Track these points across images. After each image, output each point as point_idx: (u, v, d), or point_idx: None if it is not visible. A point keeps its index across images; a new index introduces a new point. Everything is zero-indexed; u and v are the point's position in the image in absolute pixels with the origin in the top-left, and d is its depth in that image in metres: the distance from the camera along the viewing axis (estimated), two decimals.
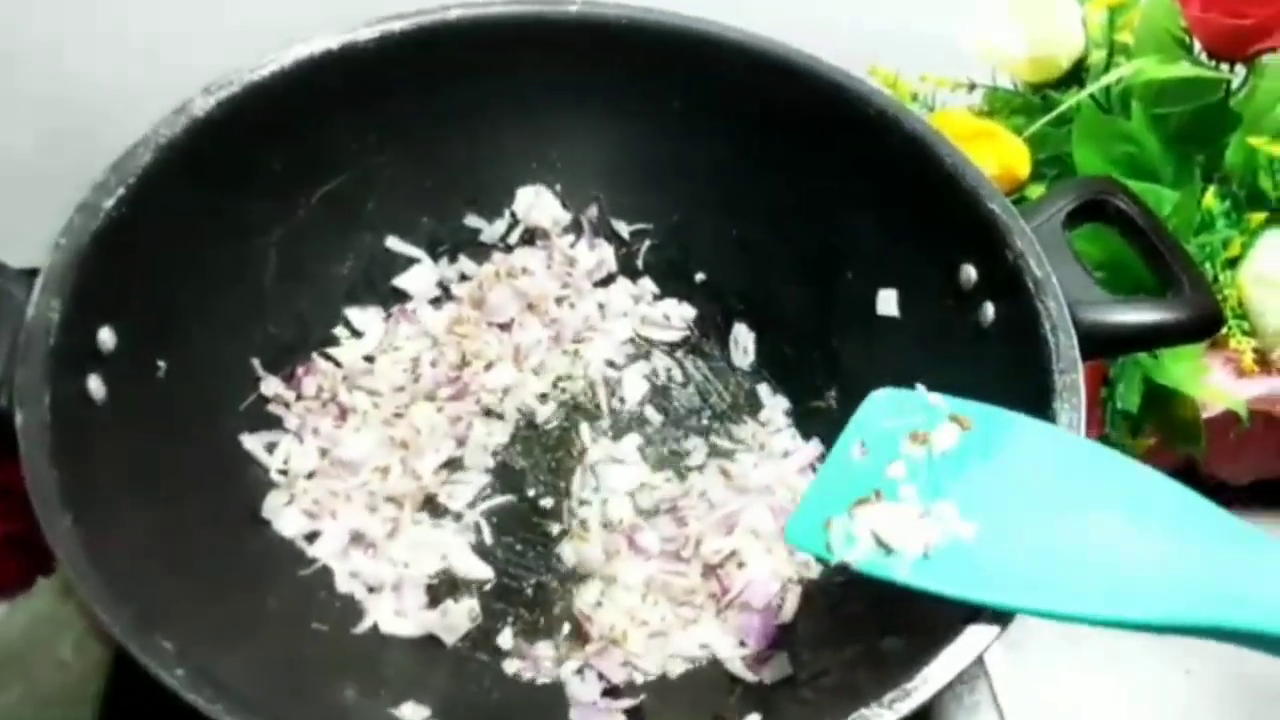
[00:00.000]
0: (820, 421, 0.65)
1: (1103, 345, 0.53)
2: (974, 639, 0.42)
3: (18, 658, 0.59)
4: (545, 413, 0.65)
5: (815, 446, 0.64)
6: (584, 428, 0.65)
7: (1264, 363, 0.65)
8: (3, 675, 0.59)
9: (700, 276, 0.70)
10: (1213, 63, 0.68)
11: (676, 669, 0.56)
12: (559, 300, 0.68)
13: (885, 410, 0.49)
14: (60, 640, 0.59)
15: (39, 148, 0.74)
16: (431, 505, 0.61)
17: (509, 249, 0.69)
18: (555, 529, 0.61)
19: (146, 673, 0.40)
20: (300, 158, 0.60)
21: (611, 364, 0.68)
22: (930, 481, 0.45)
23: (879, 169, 0.61)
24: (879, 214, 0.62)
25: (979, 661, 0.43)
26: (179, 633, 0.41)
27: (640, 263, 0.70)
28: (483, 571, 0.58)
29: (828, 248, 0.65)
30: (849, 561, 0.45)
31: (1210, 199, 0.67)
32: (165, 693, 0.40)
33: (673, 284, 0.70)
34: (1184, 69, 0.67)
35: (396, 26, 0.60)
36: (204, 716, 0.39)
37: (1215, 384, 0.64)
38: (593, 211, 0.70)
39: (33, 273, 0.48)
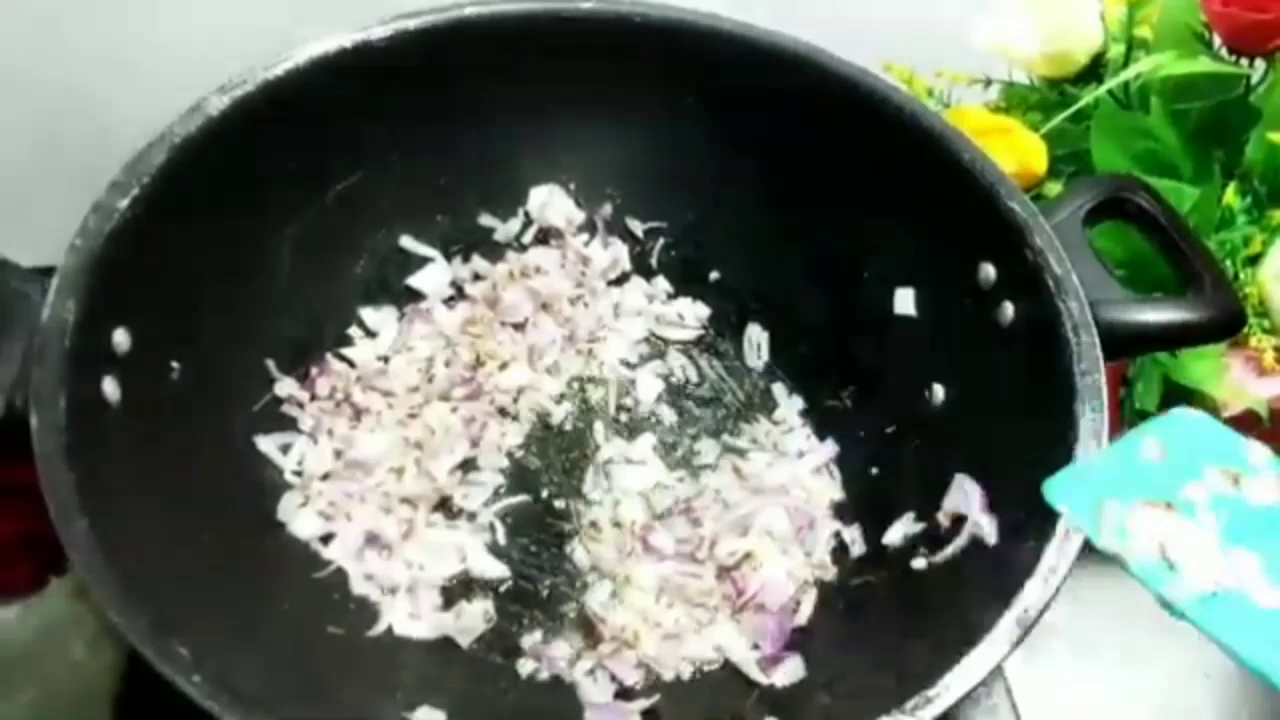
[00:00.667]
0: (836, 421, 0.65)
1: (1124, 345, 0.53)
2: (994, 646, 0.42)
3: (31, 658, 0.59)
4: (560, 413, 0.65)
5: (830, 447, 0.64)
6: (598, 427, 0.65)
7: None
8: (16, 676, 0.59)
9: (715, 275, 0.69)
10: (1233, 57, 0.68)
11: (691, 671, 0.56)
12: (573, 300, 0.68)
13: (1193, 430, 0.45)
14: (74, 641, 0.59)
15: (44, 146, 0.74)
16: (446, 506, 0.60)
17: (523, 248, 0.69)
18: (569, 529, 0.60)
19: (161, 675, 0.40)
20: (314, 157, 0.60)
21: (626, 363, 0.67)
22: (1236, 524, 0.41)
23: (896, 166, 0.60)
24: (896, 212, 0.61)
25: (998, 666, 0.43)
26: (194, 637, 0.41)
27: (654, 261, 0.70)
28: (498, 571, 0.58)
29: (843, 246, 0.64)
30: (1121, 556, 0.40)
31: (1230, 195, 0.66)
32: (179, 694, 0.40)
33: (687, 283, 0.70)
34: (1204, 64, 0.67)
35: (410, 25, 0.59)
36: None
37: (1235, 383, 0.64)
38: (606, 210, 0.69)
39: (44, 271, 0.48)
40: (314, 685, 0.49)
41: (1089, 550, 0.45)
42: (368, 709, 0.50)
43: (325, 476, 0.60)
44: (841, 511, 0.61)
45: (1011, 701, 0.60)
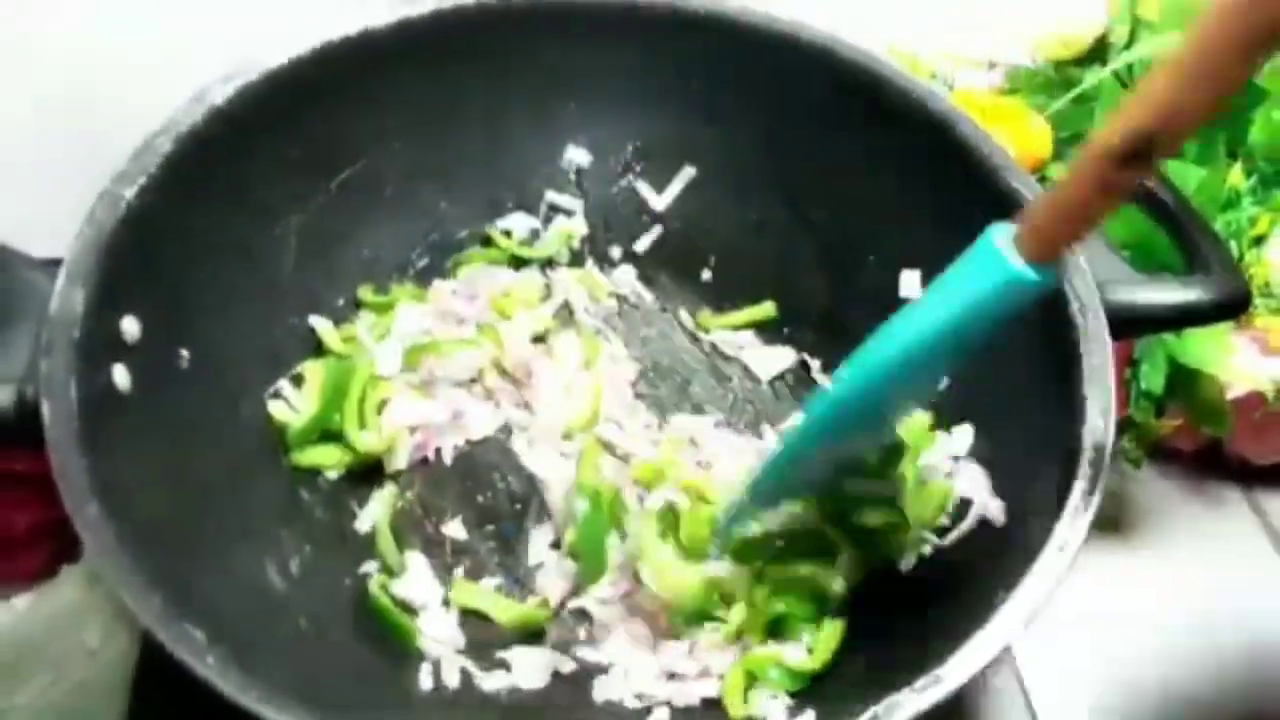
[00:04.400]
0: None
1: (1131, 325, 0.53)
2: (1004, 626, 0.42)
3: (44, 646, 0.60)
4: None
5: None
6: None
7: None
8: (31, 664, 0.59)
9: (714, 260, 0.69)
10: None
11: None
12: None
13: None
14: (87, 628, 0.60)
15: (51, 136, 0.74)
16: None
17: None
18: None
19: (174, 659, 0.40)
20: (318, 145, 0.60)
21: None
22: None
23: (900, 149, 0.60)
24: (901, 194, 0.61)
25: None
26: (208, 619, 0.42)
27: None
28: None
29: (849, 229, 0.64)
30: None
31: (1236, 176, 0.66)
32: (193, 679, 0.40)
33: (690, 268, 0.70)
34: None
35: (414, 12, 0.59)
36: (233, 702, 0.40)
37: (1241, 363, 0.64)
38: (615, 190, 0.69)
39: (54, 263, 0.48)
40: (329, 664, 0.50)
41: (1098, 527, 0.45)
42: (383, 684, 0.50)
43: None
44: None
45: (1020, 683, 0.60)
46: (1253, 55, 0.32)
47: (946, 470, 0.56)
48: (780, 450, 0.50)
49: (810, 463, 0.49)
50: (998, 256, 0.38)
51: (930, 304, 0.41)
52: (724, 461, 0.58)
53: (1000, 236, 0.38)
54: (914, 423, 0.57)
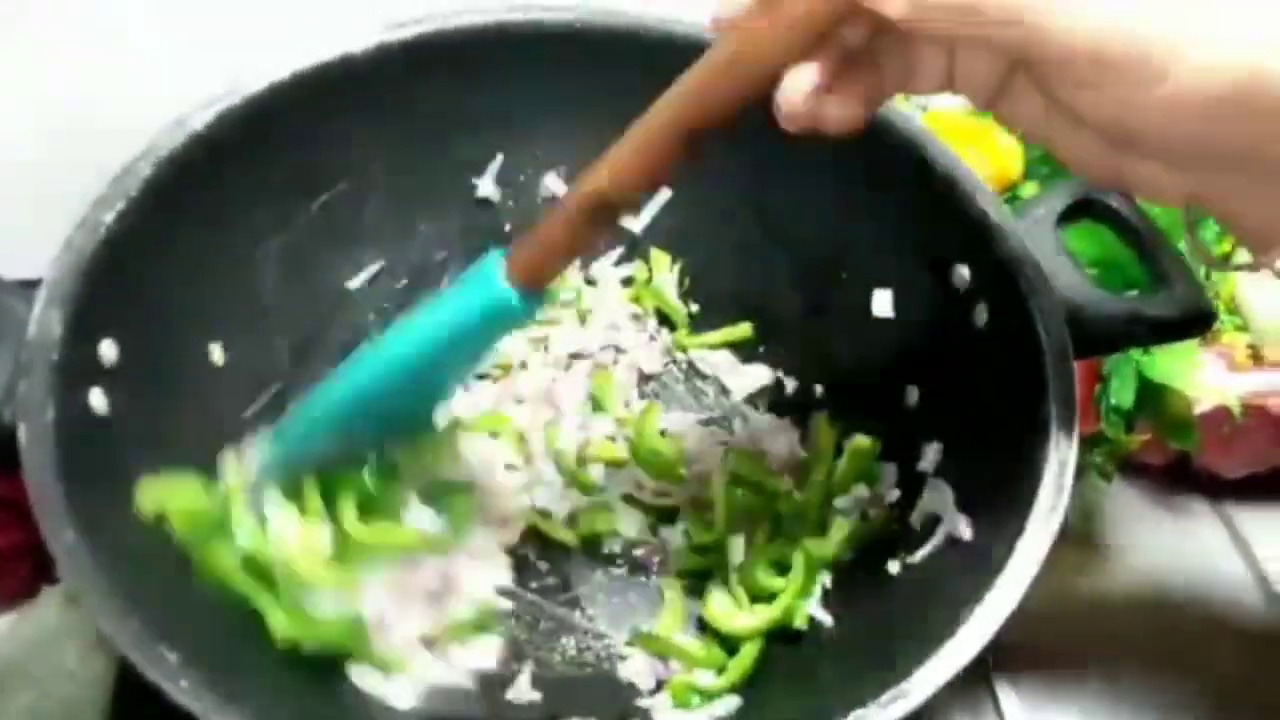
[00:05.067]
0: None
1: (1096, 343, 0.54)
2: (970, 640, 0.43)
3: (24, 667, 0.60)
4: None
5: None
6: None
7: (1257, 357, 0.65)
8: (9, 684, 0.59)
9: (689, 280, 0.70)
10: None
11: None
12: None
13: None
14: (67, 649, 0.60)
15: (29, 160, 0.74)
16: None
17: None
18: None
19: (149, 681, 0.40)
20: (298, 168, 0.60)
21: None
22: None
23: (873, 171, 0.61)
24: (873, 215, 0.62)
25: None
26: (184, 643, 0.42)
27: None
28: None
29: (823, 250, 0.65)
30: None
31: None
32: (171, 702, 0.40)
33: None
34: None
35: (393, 37, 0.60)
36: None
37: (1208, 379, 0.65)
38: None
39: (30, 284, 0.49)
40: (307, 688, 0.50)
41: (1069, 541, 0.46)
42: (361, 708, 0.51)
43: None
44: None
45: (993, 696, 0.61)
46: (682, 145, 0.40)
47: (891, 499, 0.57)
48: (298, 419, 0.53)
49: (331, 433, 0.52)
50: (490, 279, 0.42)
51: (433, 311, 0.47)
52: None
53: (499, 261, 0.43)
54: (857, 451, 0.59)
